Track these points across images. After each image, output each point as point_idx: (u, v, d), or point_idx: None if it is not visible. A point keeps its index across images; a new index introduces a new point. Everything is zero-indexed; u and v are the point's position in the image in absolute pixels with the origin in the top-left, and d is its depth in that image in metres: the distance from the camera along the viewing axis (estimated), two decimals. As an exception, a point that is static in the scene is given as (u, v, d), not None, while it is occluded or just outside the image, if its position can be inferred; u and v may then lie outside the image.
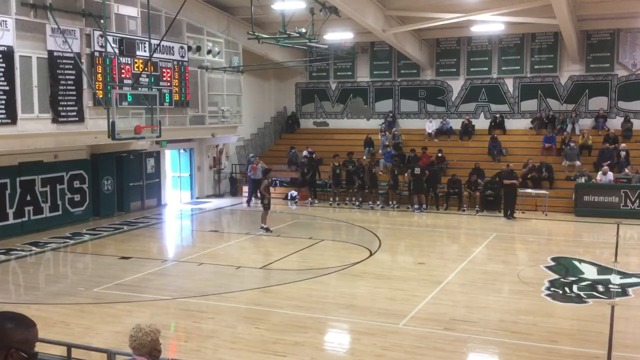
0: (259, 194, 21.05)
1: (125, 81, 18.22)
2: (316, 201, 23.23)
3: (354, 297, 11.45)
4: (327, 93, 28.24)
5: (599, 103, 24.09)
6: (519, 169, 21.18)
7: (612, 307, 10.58)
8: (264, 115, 28.40)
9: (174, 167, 24.02)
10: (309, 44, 18.81)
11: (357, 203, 22.38)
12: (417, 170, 21.41)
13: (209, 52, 22.55)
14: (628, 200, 19.66)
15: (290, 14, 17.06)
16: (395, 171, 22.47)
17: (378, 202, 22.30)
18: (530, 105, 25.11)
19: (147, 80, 18.66)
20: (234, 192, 25.26)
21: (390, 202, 22.09)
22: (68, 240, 16.66)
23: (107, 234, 17.56)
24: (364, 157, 24.45)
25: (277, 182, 24.37)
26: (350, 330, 9.83)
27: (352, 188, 22.77)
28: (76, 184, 18.91)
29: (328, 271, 13.28)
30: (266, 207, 17.59)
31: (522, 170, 21.32)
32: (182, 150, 24.08)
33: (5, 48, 15.07)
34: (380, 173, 23.05)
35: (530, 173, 21.55)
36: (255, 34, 17.95)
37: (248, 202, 22.92)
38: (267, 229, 17.48)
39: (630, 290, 11.79)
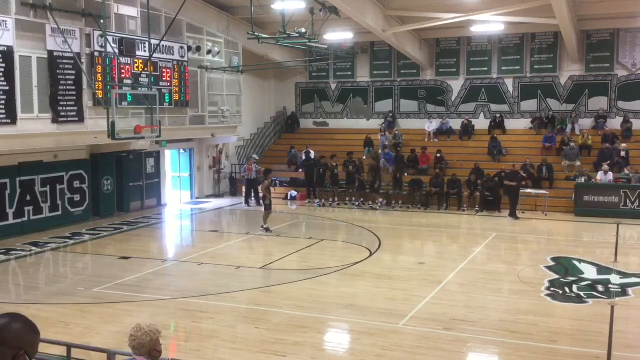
0: (260, 194, 21.10)
1: (125, 81, 18.21)
2: (317, 201, 23.23)
3: (354, 297, 11.44)
4: (327, 93, 28.24)
5: (599, 103, 24.08)
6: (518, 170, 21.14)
7: (612, 307, 10.58)
8: (264, 115, 28.41)
9: (173, 167, 24.01)
10: (309, 44, 18.80)
11: (357, 203, 22.37)
12: (351, 167, 22.45)
13: (209, 52, 22.55)
14: (628, 200, 19.66)
15: (290, 14, 17.05)
16: (398, 174, 22.48)
17: (379, 202, 22.33)
18: (530, 105, 25.11)
19: (147, 80, 18.65)
20: (234, 192, 25.25)
21: (394, 203, 22.03)
22: (68, 240, 16.66)
23: (107, 234, 17.56)
24: (364, 157, 24.48)
25: (277, 182, 24.37)
26: (350, 330, 9.83)
27: (351, 188, 22.79)
28: (76, 184, 18.91)
29: (328, 271, 13.28)
30: (267, 207, 17.57)
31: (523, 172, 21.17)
32: (182, 150, 24.08)
33: (5, 48, 15.06)
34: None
35: (526, 171, 21.41)
36: (255, 34, 17.94)
37: (246, 202, 22.89)
38: (267, 229, 17.47)
39: (630, 290, 11.79)
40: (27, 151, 16.80)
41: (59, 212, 18.36)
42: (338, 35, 22.37)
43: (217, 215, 21.70)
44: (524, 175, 21.03)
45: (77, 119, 17.08)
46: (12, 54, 15.24)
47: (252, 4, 16.90)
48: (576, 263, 13.98)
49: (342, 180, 23.06)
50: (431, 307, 10.71)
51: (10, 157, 16.71)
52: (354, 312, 10.50)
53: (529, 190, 20.86)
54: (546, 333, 9.40)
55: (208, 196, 24.56)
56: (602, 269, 13.38)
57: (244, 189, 24.53)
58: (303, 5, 17.49)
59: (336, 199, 22.84)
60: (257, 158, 24.14)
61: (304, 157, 25.00)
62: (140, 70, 18.42)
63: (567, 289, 11.87)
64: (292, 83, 28.80)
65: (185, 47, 21.09)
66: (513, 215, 19.66)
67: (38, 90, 16.07)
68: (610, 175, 20.36)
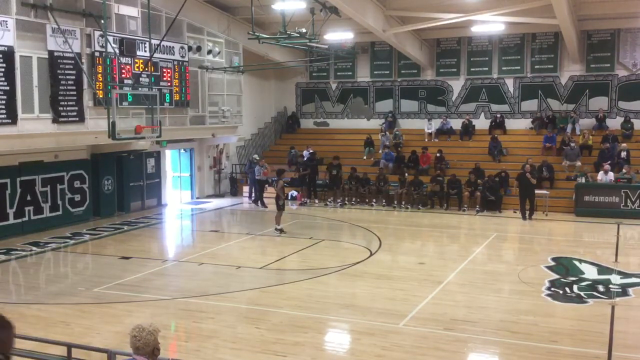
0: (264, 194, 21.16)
1: (126, 81, 18.22)
2: (316, 201, 23.26)
3: (354, 297, 11.45)
4: (327, 93, 28.25)
5: (599, 103, 24.08)
6: (518, 169, 21.04)
7: (613, 307, 10.58)
8: (264, 115, 28.41)
9: (174, 167, 24.02)
10: (309, 44, 18.81)
11: (339, 202, 22.46)
12: (334, 172, 22.76)
13: (209, 52, 22.55)
14: (628, 200, 19.66)
15: (290, 14, 17.06)
16: (406, 174, 22.60)
17: (382, 201, 22.41)
18: (531, 105, 25.11)
19: (147, 80, 18.66)
20: (234, 192, 25.25)
21: (403, 203, 22.00)
22: (68, 240, 16.67)
23: (108, 234, 17.56)
24: (364, 158, 24.52)
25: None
26: (350, 330, 9.83)
27: (350, 188, 22.82)
28: (76, 184, 18.91)
29: (328, 271, 13.28)
30: (281, 208, 17.50)
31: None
32: (182, 150, 24.08)
33: (6, 48, 15.07)
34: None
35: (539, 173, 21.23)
36: (256, 34, 17.96)
37: (262, 203, 22.56)
38: (282, 230, 17.39)
39: (630, 290, 11.79)
40: (28, 151, 16.80)
41: (60, 212, 18.37)
42: (338, 35, 22.36)
43: (218, 215, 21.69)
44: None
45: (77, 119, 17.09)
46: (13, 54, 15.25)
47: (253, 4, 16.92)
48: (577, 263, 13.98)
49: (341, 181, 23.09)
50: (431, 307, 10.71)
51: (10, 157, 16.71)
52: (354, 312, 10.50)
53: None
54: (546, 333, 9.40)
55: (208, 196, 24.57)
56: (602, 269, 13.38)
57: (244, 189, 24.54)
58: (303, 5, 17.49)
59: (340, 199, 22.79)
60: (258, 158, 24.12)
61: (304, 158, 25.01)
62: (141, 70, 18.43)
63: (567, 289, 11.87)
64: (293, 83, 28.80)
65: (186, 47, 21.09)
66: (531, 216, 19.49)
67: (38, 90, 16.07)
68: (611, 175, 20.36)
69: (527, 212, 19.56)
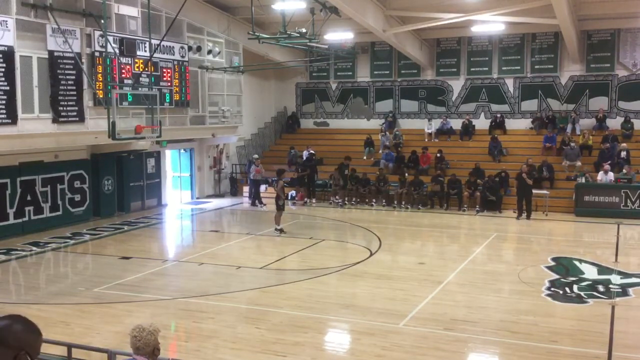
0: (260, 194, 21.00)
1: (126, 81, 18.22)
2: (314, 200, 23.25)
3: (354, 297, 11.45)
4: (327, 93, 28.24)
5: (599, 103, 24.08)
6: (518, 169, 21.06)
7: (613, 307, 10.58)
8: (264, 115, 28.40)
9: (174, 167, 24.02)
10: (309, 44, 18.81)
11: (343, 202, 22.48)
12: (346, 172, 22.67)
13: (209, 52, 22.55)
14: (628, 200, 19.66)
15: (290, 14, 17.06)
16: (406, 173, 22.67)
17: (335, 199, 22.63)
18: (531, 105, 25.11)
19: (147, 80, 18.66)
20: (234, 192, 25.25)
21: (403, 203, 21.98)
22: (68, 240, 16.67)
23: (108, 234, 17.56)
24: (364, 158, 24.47)
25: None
26: (350, 330, 9.83)
27: (351, 188, 22.81)
28: (76, 184, 18.91)
29: (328, 271, 13.28)
30: (281, 208, 17.49)
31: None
32: (182, 150, 24.08)
33: (6, 48, 15.07)
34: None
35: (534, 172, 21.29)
36: (256, 34, 17.96)
37: (259, 202, 22.59)
38: (282, 230, 17.39)
39: (630, 290, 11.78)
40: (28, 151, 16.80)
41: (60, 212, 18.37)
42: (338, 35, 22.34)
43: (218, 215, 21.70)
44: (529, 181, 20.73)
45: (77, 119, 17.08)
46: (13, 54, 15.25)
47: (253, 4, 16.92)
48: (577, 263, 13.98)
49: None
50: (431, 307, 10.71)
51: (10, 157, 16.71)
52: (354, 312, 10.50)
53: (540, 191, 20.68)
54: (546, 333, 9.40)
55: (208, 196, 24.57)
56: (602, 269, 13.38)
57: (244, 189, 24.53)
58: (303, 5, 17.49)
59: (340, 200, 22.77)
60: (257, 157, 24.13)
61: (304, 158, 25.01)
62: (141, 70, 18.42)
63: (567, 289, 11.87)
64: (293, 83, 28.80)
65: (186, 47, 21.09)
66: (528, 216, 19.56)
67: (38, 90, 16.07)
68: (611, 175, 20.35)
69: (524, 213, 19.59)
